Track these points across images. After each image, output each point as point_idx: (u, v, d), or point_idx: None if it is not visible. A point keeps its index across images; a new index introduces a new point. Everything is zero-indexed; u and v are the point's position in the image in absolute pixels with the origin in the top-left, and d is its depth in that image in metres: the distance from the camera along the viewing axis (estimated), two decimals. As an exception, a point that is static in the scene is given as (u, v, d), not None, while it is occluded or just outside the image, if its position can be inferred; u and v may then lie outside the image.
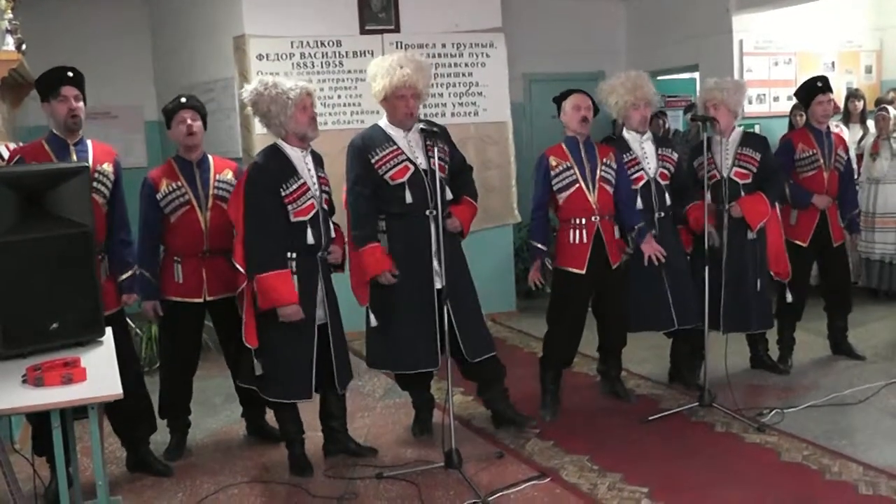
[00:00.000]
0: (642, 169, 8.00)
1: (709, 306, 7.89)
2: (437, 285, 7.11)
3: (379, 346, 7.32)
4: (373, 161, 7.07)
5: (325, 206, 6.80)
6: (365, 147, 7.12)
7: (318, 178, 6.81)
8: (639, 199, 7.96)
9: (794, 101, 12.30)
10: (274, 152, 6.71)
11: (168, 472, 7.04)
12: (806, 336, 9.46)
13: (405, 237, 7.09)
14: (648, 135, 8.14)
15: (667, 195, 8.04)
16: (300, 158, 6.72)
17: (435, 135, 6.74)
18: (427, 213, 7.03)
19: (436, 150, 6.82)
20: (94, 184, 6.53)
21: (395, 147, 7.11)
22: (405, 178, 7.04)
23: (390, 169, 7.06)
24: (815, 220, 8.90)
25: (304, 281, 6.66)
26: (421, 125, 6.94)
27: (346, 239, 7.15)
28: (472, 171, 7.66)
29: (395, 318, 7.18)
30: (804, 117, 11.63)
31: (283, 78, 6.84)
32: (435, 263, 7.05)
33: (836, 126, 11.52)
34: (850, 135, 11.81)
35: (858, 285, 11.69)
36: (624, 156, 8.00)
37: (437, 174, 6.80)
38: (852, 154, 11.33)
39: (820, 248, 9.03)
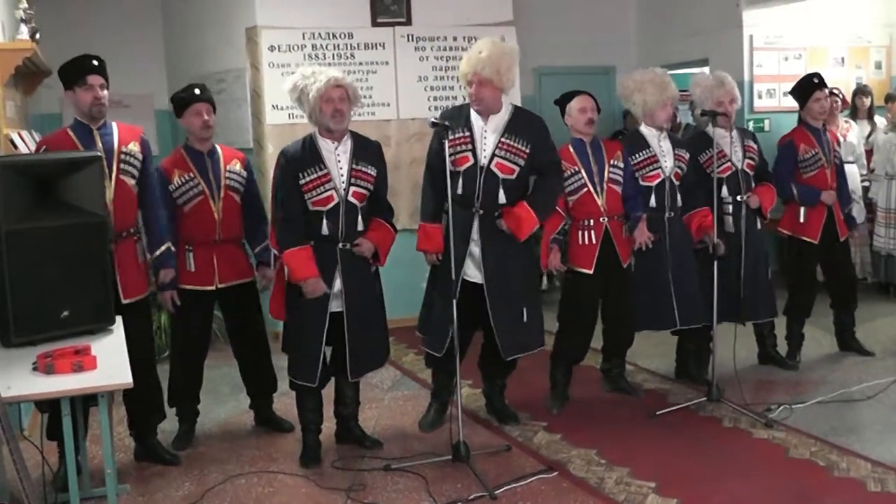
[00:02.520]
0: (660, 167, 7.97)
1: (727, 299, 8.01)
2: (477, 279, 7.14)
3: (423, 316, 7.50)
4: (446, 141, 7.05)
5: (354, 200, 6.71)
6: (447, 126, 7.03)
7: (352, 170, 6.72)
8: (653, 198, 7.96)
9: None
10: (305, 141, 6.74)
11: (176, 462, 7.04)
12: (814, 332, 9.47)
13: (453, 224, 6.93)
14: (665, 132, 8.12)
15: (678, 195, 8.04)
16: (330, 149, 6.69)
17: (445, 129, 6.69)
18: (472, 209, 7.06)
19: (446, 143, 6.76)
20: (122, 165, 6.58)
21: (466, 133, 7.09)
22: (462, 168, 7.03)
23: (453, 154, 7.03)
24: (824, 217, 8.88)
25: (319, 270, 6.65)
26: (431, 118, 6.91)
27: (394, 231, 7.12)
28: (560, 173, 7.48)
29: (433, 296, 7.35)
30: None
31: (325, 68, 6.86)
32: (476, 255, 7.13)
33: (845, 122, 11.52)
34: (858, 130, 11.79)
35: (868, 282, 11.70)
36: (641, 153, 7.98)
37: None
38: (861, 150, 11.39)
39: (827, 244, 9.01)
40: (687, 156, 8.11)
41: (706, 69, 13.07)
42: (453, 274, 6.71)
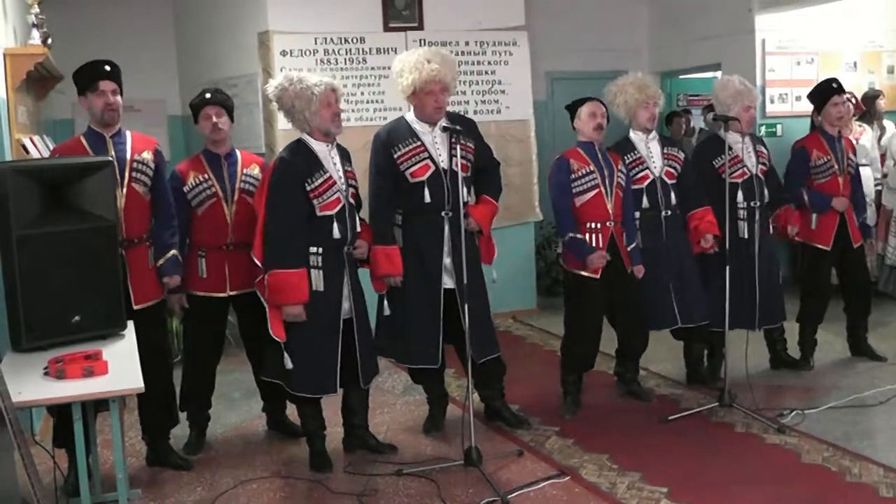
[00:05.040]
0: (647, 168, 8.01)
1: (742, 306, 8.02)
2: (448, 285, 7.19)
3: (386, 334, 7.37)
4: (395, 156, 7.11)
5: (352, 201, 6.79)
6: (389, 141, 7.16)
7: (345, 171, 6.79)
8: (644, 198, 8.00)
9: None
10: (300, 147, 6.72)
11: (187, 466, 7.05)
12: (826, 336, 9.44)
13: (419, 234, 7.16)
14: (654, 134, 8.16)
15: (673, 193, 8.05)
16: (325, 153, 6.71)
17: (458, 133, 6.75)
18: (443, 213, 7.08)
19: (458, 148, 6.83)
20: (134, 173, 6.59)
21: (418, 143, 7.13)
22: (425, 177, 7.07)
23: (411, 166, 7.09)
24: (836, 223, 8.88)
25: (329, 276, 6.66)
26: (442, 123, 6.98)
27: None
28: (500, 166, 7.70)
29: (402, 312, 7.27)
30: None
31: (307, 73, 6.84)
32: (447, 263, 7.14)
33: (859, 126, 11.48)
34: (871, 134, 11.74)
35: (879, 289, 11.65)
36: (628, 156, 8.02)
37: (460, 174, 6.82)
38: (876, 153, 11.35)
39: (841, 251, 9.00)
40: (681, 155, 8.17)
41: (718, 73, 13.06)
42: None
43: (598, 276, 7.67)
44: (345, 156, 6.91)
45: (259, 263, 6.59)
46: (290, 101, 6.63)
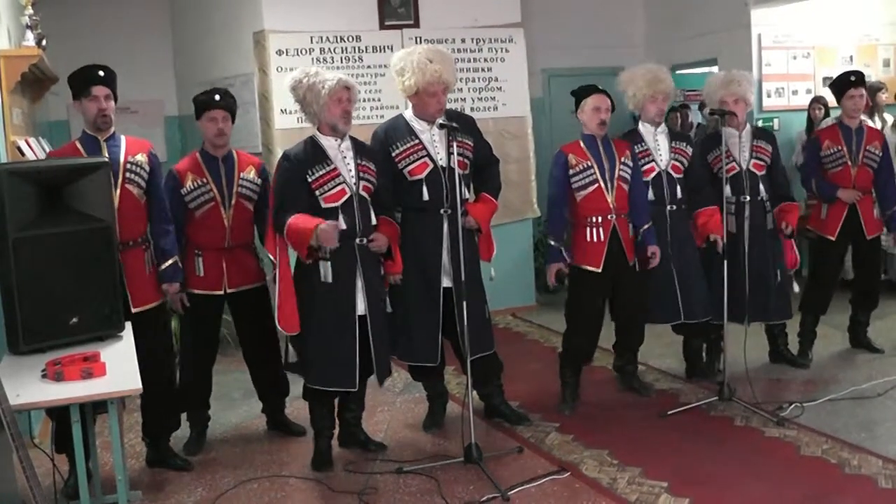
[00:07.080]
0: (653, 160, 8.01)
1: (730, 299, 7.92)
2: (447, 283, 7.18)
3: (399, 339, 7.36)
4: (393, 154, 7.12)
5: (364, 194, 6.75)
6: (387, 139, 7.18)
7: (358, 165, 6.76)
8: (650, 191, 7.99)
9: (813, 94, 12.30)
10: (307, 142, 6.76)
11: (188, 467, 7.04)
12: (825, 329, 9.42)
13: (418, 232, 7.16)
14: (663, 128, 8.16)
15: (679, 188, 8.05)
16: (334, 147, 6.71)
17: (455, 130, 6.76)
18: (442, 211, 7.09)
19: (455, 146, 6.83)
20: (128, 174, 6.57)
21: (416, 142, 7.13)
22: (423, 175, 7.08)
23: (409, 164, 7.09)
24: (843, 215, 8.87)
25: (339, 268, 6.64)
26: (439, 121, 6.98)
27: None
28: (499, 163, 7.69)
29: (402, 309, 7.25)
30: (822, 111, 11.65)
31: (326, 70, 6.88)
32: (445, 261, 7.14)
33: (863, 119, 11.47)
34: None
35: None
36: (636, 147, 8.00)
37: (457, 171, 6.82)
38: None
39: (851, 242, 9.03)
40: (689, 150, 8.14)
41: (715, 68, 13.06)
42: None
43: (599, 269, 7.68)
44: (361, 150, 6.90)
45: (273, 259, 6.62)
46: (303, 93, 6.68)
